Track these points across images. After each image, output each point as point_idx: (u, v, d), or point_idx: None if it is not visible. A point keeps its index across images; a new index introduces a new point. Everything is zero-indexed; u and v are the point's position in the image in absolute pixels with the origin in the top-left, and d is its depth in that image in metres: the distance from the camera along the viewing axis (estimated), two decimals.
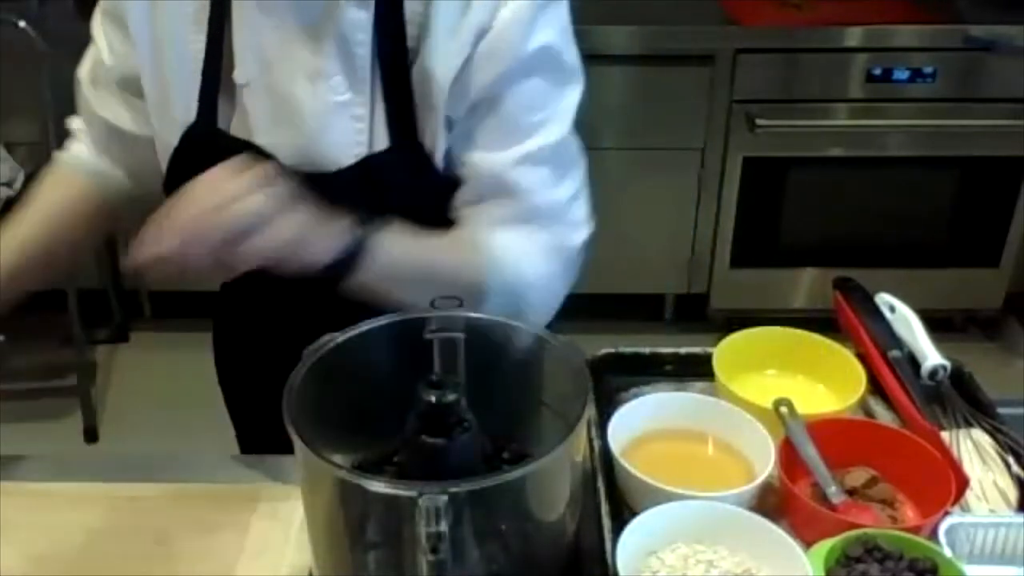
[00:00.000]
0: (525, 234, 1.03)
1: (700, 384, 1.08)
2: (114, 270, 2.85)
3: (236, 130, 1.03)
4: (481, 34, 0.95)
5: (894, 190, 2.79)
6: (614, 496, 0.93)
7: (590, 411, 0.99)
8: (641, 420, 0.99)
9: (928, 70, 2.62)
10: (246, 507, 1.01)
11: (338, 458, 0.81)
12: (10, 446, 1.06)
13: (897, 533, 0.84)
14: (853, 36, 2.61)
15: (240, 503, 1.01)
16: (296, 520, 0.99)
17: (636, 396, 1.04)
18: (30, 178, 2.58)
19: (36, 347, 2.77)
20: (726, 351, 1.07)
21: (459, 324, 0.85)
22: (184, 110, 1.04)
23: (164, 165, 1.07)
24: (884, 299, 1.15)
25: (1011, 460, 0.97)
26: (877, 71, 2.63)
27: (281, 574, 0.93)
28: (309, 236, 0.88)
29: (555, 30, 0.99)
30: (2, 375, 2.71)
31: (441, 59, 0.96)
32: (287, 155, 1.00)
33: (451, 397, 0.76)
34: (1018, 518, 0.89)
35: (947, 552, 0.83)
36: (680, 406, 1.01)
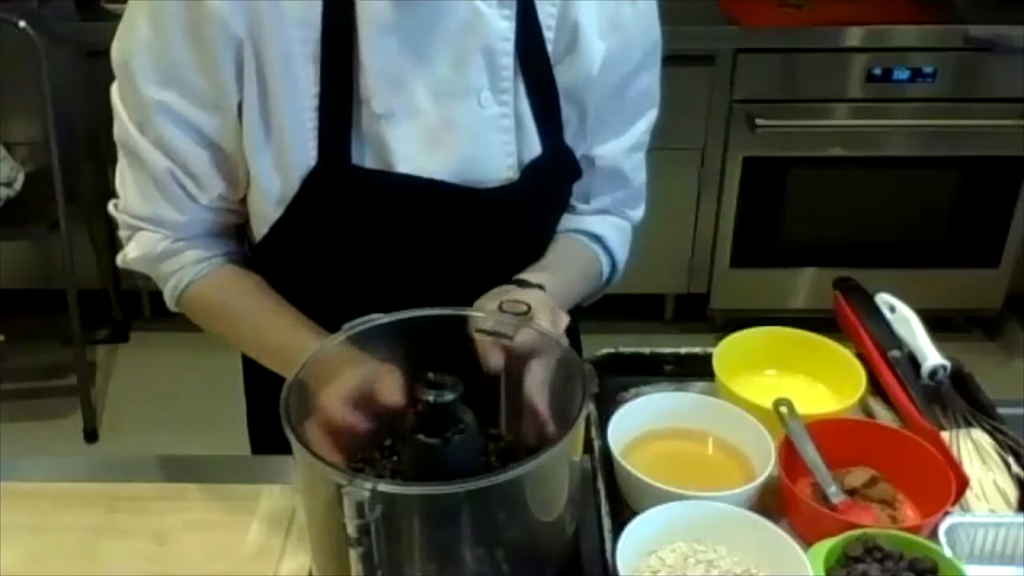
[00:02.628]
0: (622, 219, 1.17)
1: (700, 384, 1.08)
2: (114, 270, 2.86)
3: (373, 163, 0.98)
4: (617, 29, 1.01)
5: (894, 190, 2.79)
6: (614, 496, 0.93)
7: (588, 409, 0.99)
8: (641, 420, 0.99)
9: (928, 70, 2.62)
10: (246, 507, 1.01)
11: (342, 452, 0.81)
12: (10, 446, 1.06)
13: (897, 533, 0.84)
14: (853, 36, 2.61)
15: (240, 503, 1.01)
16: (296, 520, 0.99)
17: (636, 396, 1.04)
18: (30, 178, 2.58)
19: (36, 347, 2.78)
20: (726, 351, 1.07)
21: (511, 328, 0.85)
22: (303, 155, 0.96)
23: (267, 219, 1.01)
24: (884, 299, 1.15)
25: (1011, 460, 0.97)
26: (877, 71, 2.63)
27: (281, 574, 0.93)
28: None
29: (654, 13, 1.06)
30: (2, 375, 2.71)
31: (586, 57, 1.00)
32: (441, 176, 0.98)
33: (449, 397, 0.76)
34: (1018, 518, 0.89)
35: (947, 552, 0.83)
36: (680, 406, 1.01)
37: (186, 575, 0.94)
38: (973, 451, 0.97)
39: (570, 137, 1.05)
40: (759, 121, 2.64)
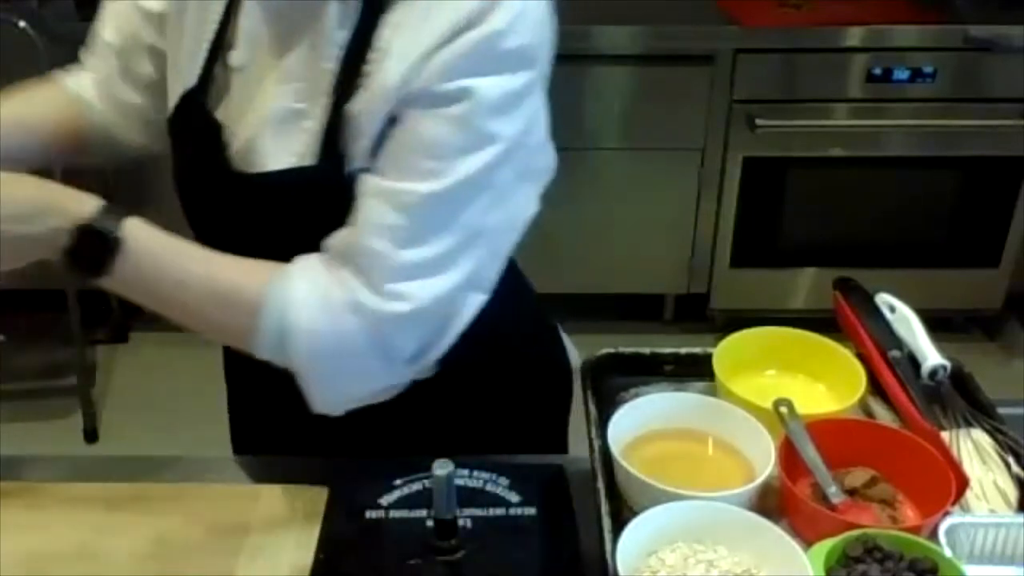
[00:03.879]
0: (329, 275, 0.92)
1: (700, 384, 1.08)
2: None
3: (221, 110, 1.02)
4: (420, 66, 0.91)
5: (894, 190, 2.79)
6: (614, 496, 0.93)
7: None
8: (641, 420, 0.99)
9: (928, 70, 2.63)
10: (246, 507, 1.01)
11: None
12: (10, 446, 1.06)
13: (897, 533, 0.84)
14: (853, 36, 2.61)
15: (240, 503, 1.01)
16: (296, 520, 0.99)
17: (636, 396, 1.04)
18: None
19: (36, 347, 2.78)
20: (726, 351, 1.07)
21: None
22: (188, 77, 1.03)
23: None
24: (884, 299, 1.15)
25: (1011, 460, 0.97)
26: (877, 71, 2.63)
27: (281, 574, 0.93)
28: (33, 211, 0.87)
29: (494, 95, 0.90)
30: (2, 375, 2.71)
31: (387, 81, 0.92)
32: (241, 144, 1.00)
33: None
34: (1018, 518, 0.89)
35: (947, 552, 0.83)
36: (680, 406, 1.01)
37: (186, 575, 0.94)
38: (973, 451, 0.97)
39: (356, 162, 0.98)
40: (759, 121, 2.64)
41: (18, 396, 2.65)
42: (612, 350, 1.12)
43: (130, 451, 1.14)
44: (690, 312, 3.02)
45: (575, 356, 1.29)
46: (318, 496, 1.01)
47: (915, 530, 0.86)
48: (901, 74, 2.63)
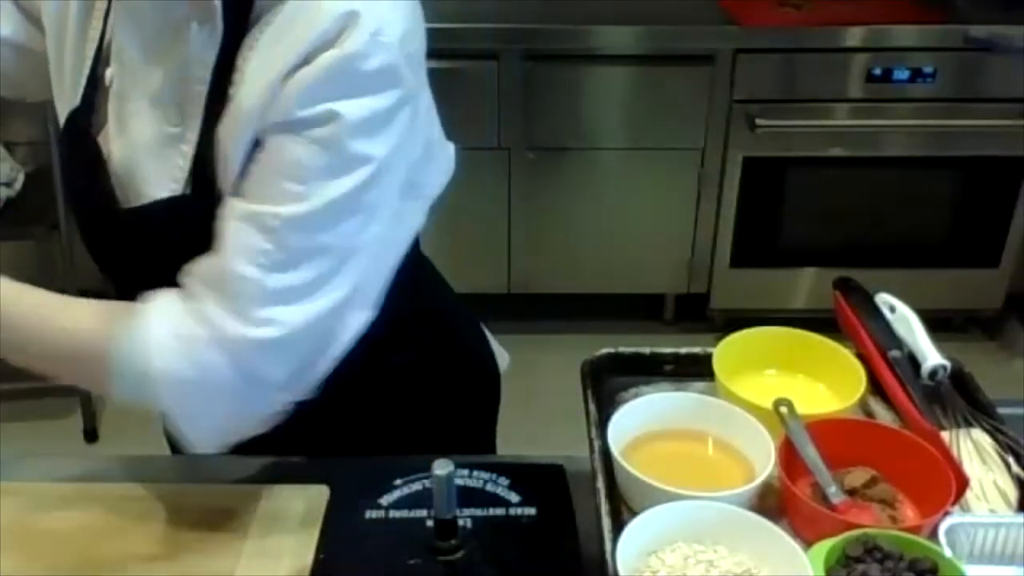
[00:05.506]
0: (187, 312, 0.89)
1: (700, 384, 1.08)
2: None
3: (104, 133, 0.99)
4: (278, 87, 0.89)
5: (894, 190, 2.80)
6: (614, 496, 0.93)
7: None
8: (641, 420, 0.99)
9: (928, 70, 2.63)
10: (246, 507, 1.01)
11: None
12: (10, 446, 1.06)
13: (897, 533, 0.84)
14: (853, 36, 2.61)
15: (240, 503, 1.01)
16: (296, 520, 0.99)
17: (636, 396, 1.04)
18: (30, 178, 2.58)
19: None
20: (726, 351, 1.07)
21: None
22: (72, 96, 1.01)
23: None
24: (884, 299, 1.15)
25: (1011, 460, 0.97)
26: (877, 71, 2.63)
27: (281, 574, 0.93)
28: None
29: (359, 117, 0.87)
30: (2, 375, 2.70)
31: (246, 103, 0.90)
32: (119, 170, 0.98)
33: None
34: (1018, 518, 0.89)
35: (947, 552, 0.83)
36: (680, 406, 1.01)
37: (186, 575, 0.94)
38: (973, 451, 0.97)
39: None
40: (759, 121, 2.65)
41: (18, 396, 2.64)
42: (612, 350, 1.12)
43: (130, 451, 1.14)
44: (690, 312, 3.02)
45: (504, 359, 1.29)
46: (318, 496, 1.01)
47: (915, 530, 0.86)
48: (901, 74, 2.63)
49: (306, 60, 0.86)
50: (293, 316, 0.89)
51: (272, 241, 0.88)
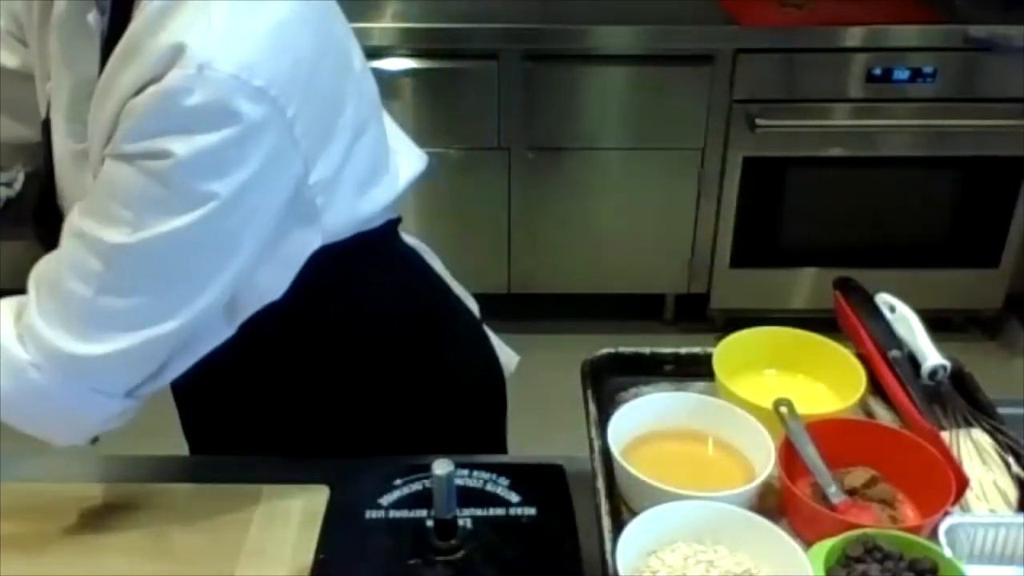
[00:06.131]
0: (17, 333, 0.90)
1: (700, 384, 1.08)
2: None
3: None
4: (119, 112, 0.87)
5: (894, 190, 2.80)
6: (614, 496, 0.93)
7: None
8: (641, 420, 0.99)
9: (928, 70, 2.63)
10: (246, 507, 1.01)
11: None
12: (10, 446, 1.06)
13: (897, 533, 0.84)
14: (853, 36, 2.61)
15: (240, 503, 1.01)
16: (296, 520, 0.99)
17: (636, 396, 1.04)
18: (30, 178, 2.58)
19: None
20: (726, 351, 1.07)
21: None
22: (42, 106, 1.01)
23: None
24: (884, 299, 1.15)
25: (1011, 460, 0.97)
26: (877, 71, 2.63)
27: (281, 574, 0.93)
28: None
29: (189, 155, 0.83)
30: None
31: (101, 122, 0.89)
32: (57, 184, 0.99)
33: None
34: (1018, 518, 0.89)
35: (947, 552, 0.83)
36: (680, 406, 1.01)
37: (186, 575, 0.94)
38: (973, 451, 0.97)
39: None
40: (759, 121, 2.65)
41: None
42: (612, 350, 1.12)
43: (130, 451, 1.14)
44: (690, 312, 3.02)
45: (512, 360, 1.29)
46: (318, 496, 1.01)
47: (915, 530, 0.86)
48: (901, 74, 2.63)
49: (139, 89, 0.84)
50: (125, 340, 0.88)
51: (104, 264, 0.87)
